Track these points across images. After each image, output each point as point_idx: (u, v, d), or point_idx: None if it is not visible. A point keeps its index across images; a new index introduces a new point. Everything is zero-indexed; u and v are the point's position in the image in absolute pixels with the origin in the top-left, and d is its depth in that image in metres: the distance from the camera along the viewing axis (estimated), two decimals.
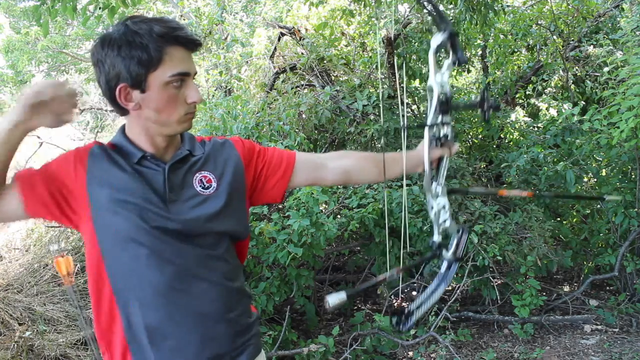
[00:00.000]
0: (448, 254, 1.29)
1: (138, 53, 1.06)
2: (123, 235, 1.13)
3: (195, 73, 1.15)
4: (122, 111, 1.15)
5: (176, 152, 1.22)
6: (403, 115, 1.29)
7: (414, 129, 1.30)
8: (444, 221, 1.30)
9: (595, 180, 4.76)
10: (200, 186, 1.22)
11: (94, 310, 1.20)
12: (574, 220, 4.96)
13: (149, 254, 1.13)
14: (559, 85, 6.37)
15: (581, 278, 4.45)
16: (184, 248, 1.17)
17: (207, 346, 1.18)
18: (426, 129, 1.27)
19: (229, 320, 1.22)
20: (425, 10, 1.35)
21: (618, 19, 5.26)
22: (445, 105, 1.25)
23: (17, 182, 1.15)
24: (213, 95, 5.85)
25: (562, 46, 5.67)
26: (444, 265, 1.30)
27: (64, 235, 4.70)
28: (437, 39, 1.27)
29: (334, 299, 1.10)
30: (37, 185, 1.14)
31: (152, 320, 1.15)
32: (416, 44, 5.16)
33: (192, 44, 1.12)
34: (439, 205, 1.29)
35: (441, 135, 1.30)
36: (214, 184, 1.24)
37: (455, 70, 6.39)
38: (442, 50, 1.25)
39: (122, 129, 1.21)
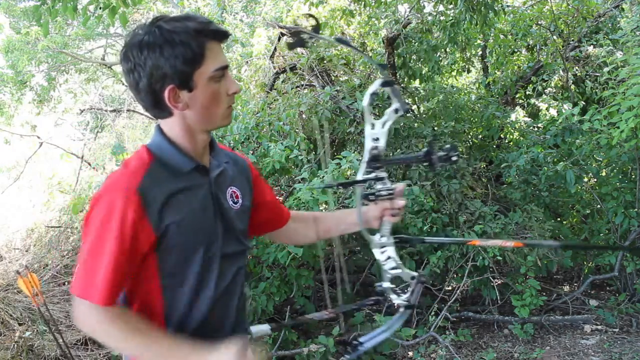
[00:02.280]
0: (400, 299, 1.25)
1: (182, 51, 1.03)
2: (182, 264, 1.13)
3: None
4: (165, 114, 1.11)
5: (209, 156, 1.22)
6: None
7: (346, 186, 1.21)
8: (393, 269, 1.28)
9: (595, 180, 4.76)
10: (231, 200, 1.23)
11: None
12: (574, 220, 4.96)
13: (209, 279, 1.16)
14: (559, 85, 6.37)
15: (581, 278, 4.45)
16: (227, 266, 1.20)
17: None
18: (358, 189, 1.22)
19: (244, 328, 1.30)
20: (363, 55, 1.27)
21: (618, 19, 5.26)
22: (377, 162, 1.17)
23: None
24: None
25: (562, 46, 5.67)
26: (400, 310, 1.28)
27: (64, 236, 4.70)
28: (374, 85, 1.19)
29: (257, 330, 1.15)
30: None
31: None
32: (416, 44, 5.16)
33: (224, 36, 1.11)
34: (384, 255, 1.28)
35: (375, 191, 1.24)
36: (240, 200, 1.26)
37: (456, 71, 6.40)
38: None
39: (161, 131, 1.15)
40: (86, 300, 1.04)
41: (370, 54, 5.83)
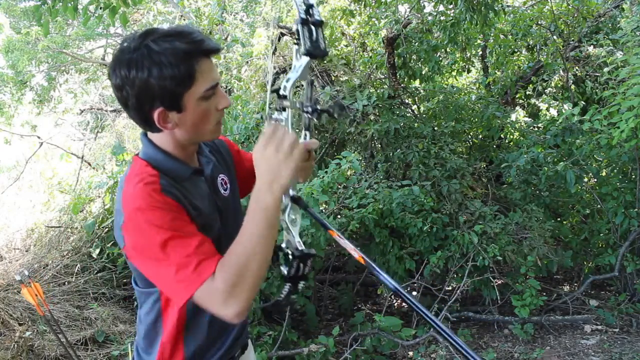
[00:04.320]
0: (283, 268, 1.14)
1: (170, 73, 1.00)
2: None
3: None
4: (154, 129, 1.10)
5: (197, 156, 1.23)
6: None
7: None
8: (287, 230, 1.16)
9: (595, 180, 4.76)
10: (222, 188, 1.26)
11: (156, 323, 1.19)
12: (574, 220, 4.96)
13: None
14: (559, 85, 6.37)
15: (581, 278, 4.45)
16: None
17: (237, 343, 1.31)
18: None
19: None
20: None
21: (618, 19, 5.26)
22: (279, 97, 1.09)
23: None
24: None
25: (562, 46, 5.67)
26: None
27: (64, 236, 4.70)
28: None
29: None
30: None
31: (200, 338, 1.20)
32: (416, 44, 5.16)
33: (215, 52, 1.09)
34: (284, 209, 1.16)
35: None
36: (229, 185, 1.29)
37: (456, 71, 6.39)
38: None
39: (153, 144, 1.14)
40: (205, 282, 0.95)
41: (370, 54, 5.83)
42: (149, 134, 1.15)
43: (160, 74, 1.00)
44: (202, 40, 1.04)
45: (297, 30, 1.07)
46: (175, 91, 1.02)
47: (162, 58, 1.00)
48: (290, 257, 1.10)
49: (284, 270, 1.10)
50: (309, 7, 1.07)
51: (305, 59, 1.07)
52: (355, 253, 1.11)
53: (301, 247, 1.10)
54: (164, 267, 0.98)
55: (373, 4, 5.21)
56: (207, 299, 0.95)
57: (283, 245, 1.14)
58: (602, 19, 5.53)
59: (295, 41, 1.10)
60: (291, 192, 1.16)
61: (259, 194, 0.98)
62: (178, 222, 1.00)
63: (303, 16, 1.06)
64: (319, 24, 1.07)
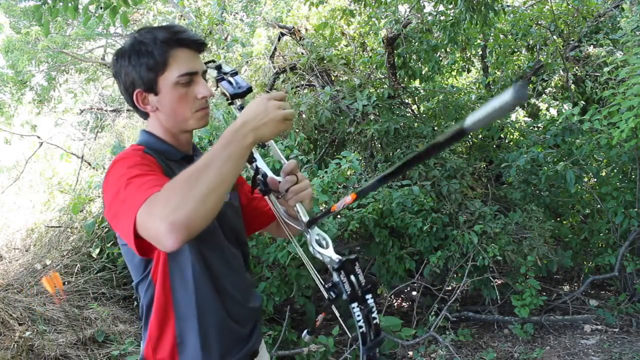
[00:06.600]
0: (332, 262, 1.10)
1: (145, 59, 1.14)
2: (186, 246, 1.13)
3: (205, 71, 1.23)
4: (143, 114, 1.23)
5: (194, 155, 1.28)
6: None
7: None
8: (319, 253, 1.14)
9: (595, 180, 4.76)
10: None
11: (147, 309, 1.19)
12: (574, 220, 4.96)
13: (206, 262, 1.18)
14: (559, 85, 6.37)
15: (581, 278, 4.45)
16: (235, 252, 1.28)
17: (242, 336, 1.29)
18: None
19: (254, 309, 1.34)
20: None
21: (618, 19, 5.25)
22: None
23: None
24: (213, 96, 5.86)
25: (562, 46, 5.67)
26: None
27: (64, 236, 4.70)
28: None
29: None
30: None
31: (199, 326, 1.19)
32: (416, 44, 5.16)
33: (195, 45, 1.18)
34: (316, 241, 1.17)
35: (257, 182, 1.21)
36: (228, 195, 1.29)
37: (456, 71, 6.39)
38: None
39: (146, 131, 1.24)
40: (144, 205, 0.91)
41: (370, 54, 5.83)
42: (147, 126, 1.25)
43: (137, 60, 1.15)
44: (180, 32, 1.16)
45: (223, 93, 1.29)
46: (149, 75, 1.14)
47: (142, 46, 1.15)
48: (335, 273, 1.04)
49: (344, 294, 1.05)
50: (217, 68, 1.30)
51: (238, 101, 1.26)
52: (348, 197, 1.07)
53: (338, 257, 1.07)
54: (120, 205, 0.98)
55: (373, 4, 5.21)
56: (147, 217, 0.89)
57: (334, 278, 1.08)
58: (602, 19, 5.54)
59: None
60: (304, 218, 1.21)
61: (232, 127, 0.97)
62: (150, 168, 1.06)
63: (218, 77, 1.29)
64: (235, 73, 1.30)
